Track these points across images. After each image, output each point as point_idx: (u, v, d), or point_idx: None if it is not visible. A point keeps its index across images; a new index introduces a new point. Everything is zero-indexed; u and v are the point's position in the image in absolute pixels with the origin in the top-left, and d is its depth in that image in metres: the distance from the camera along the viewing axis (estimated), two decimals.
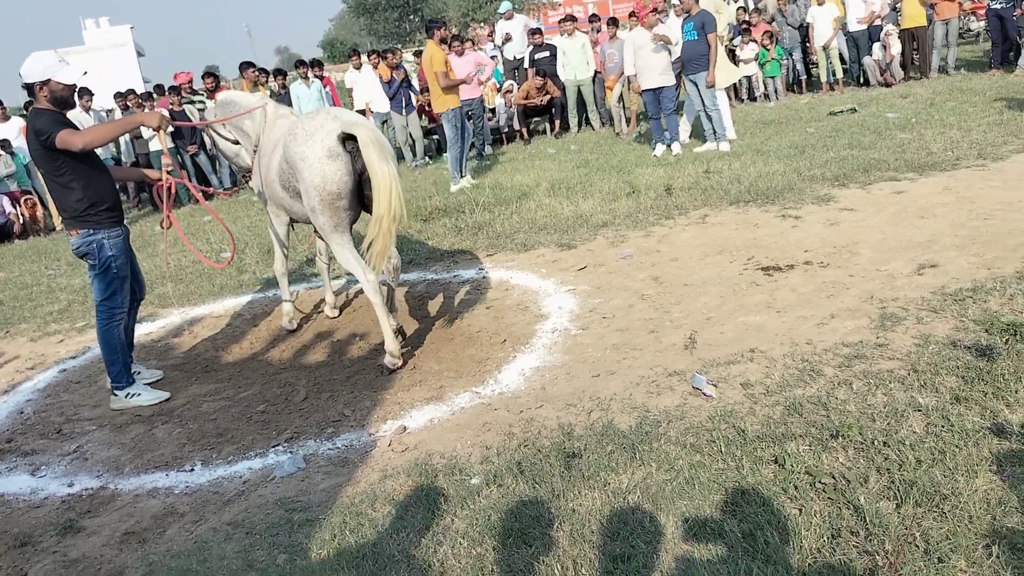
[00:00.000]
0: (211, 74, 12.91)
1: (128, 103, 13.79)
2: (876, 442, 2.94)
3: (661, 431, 3.34)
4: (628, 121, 12.76)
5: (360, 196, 4.60)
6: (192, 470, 3.85)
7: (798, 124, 10.78)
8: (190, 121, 12.28)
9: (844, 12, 13.44)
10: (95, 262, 4.59)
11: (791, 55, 14.16)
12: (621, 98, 12.66)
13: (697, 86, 9.89)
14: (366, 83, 13.27)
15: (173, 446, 4.15)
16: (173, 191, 4.94)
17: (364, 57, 13.64)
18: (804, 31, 13.94)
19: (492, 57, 14.83)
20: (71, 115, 5.13)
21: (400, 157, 13.08)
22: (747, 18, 14.26)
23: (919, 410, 3.14)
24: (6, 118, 12.96)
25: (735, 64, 13.82)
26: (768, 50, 13.53)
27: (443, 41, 9.91)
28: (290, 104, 12.25)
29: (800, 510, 2.66)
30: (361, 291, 5.77)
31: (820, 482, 2.78)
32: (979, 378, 3.27)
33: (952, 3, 12.89)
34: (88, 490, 3.79)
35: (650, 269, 5.62)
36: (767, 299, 4.70)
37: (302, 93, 12.60)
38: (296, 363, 5.09)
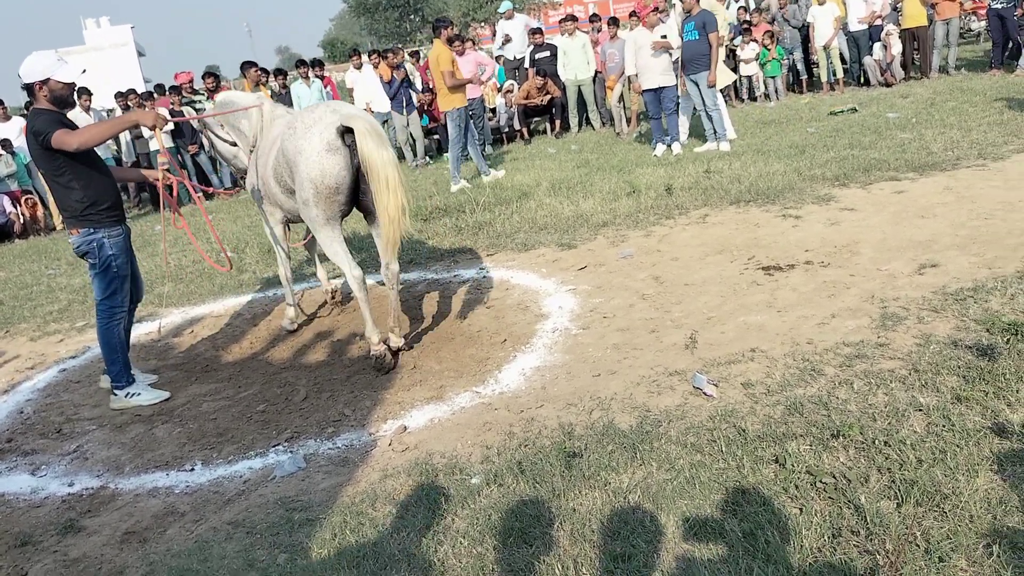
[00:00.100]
0: (211, 74, 12.91)
1: (129, 103, 13.80)
2: (877, 442, 2.94)
3: (662, 431, 3.34)
4: (628, 121, 12.75)
5: (355, 191, 4.60)
6: (192, 470, 3.84)
7: (798, 124, 10.78)
8: (188, 119, 12.26)
9: (845, 12, 13.43)
10: (95, 261, 4.59)
11: (792, 55, 14.15)
12: (622, 98, 12.66)
13: (698, 86, 9.89)
14: (367, 83, 13.27)
15: (173, 446, 4.15)
16: (175, 190, 4.93)
17: (365, 57, 13.64)
18: (805, 31, 13.94)
19: (497, 58, 14.85)
20: (72, 115, 5.14)
21: (400, 157, 13.08)
22: (748, 17, 14.26)
23: (920, 410, 3.14)
24: (7, 118, 12.97)
25: (734, 64, 13.87)
26: (769, 50, 13.52)
27: (450, 40, 9.92)
28: (291, 104, 12.25)
29: (801, 509, 2.66)
30: (370, 289, 5.75)
31: (821, 481, 2.78)
32: (980, 378, 3.27)
33: (953, 3, 12.89)
34: (88, 490, 3.79)
35: (651, 269, 5.62)
36: (768, 299, 4.70)
37: (303, 93, 12.61)
38: (296, 363, 5.09)
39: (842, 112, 10.92)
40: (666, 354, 4.18)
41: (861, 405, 3.26)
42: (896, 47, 13.04)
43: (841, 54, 13.74)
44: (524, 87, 13.56)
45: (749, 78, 14.07)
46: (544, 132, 14.43)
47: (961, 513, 2.50)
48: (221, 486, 3.62)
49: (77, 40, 62.32)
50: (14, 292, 8.06)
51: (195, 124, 10.00)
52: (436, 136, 14.06)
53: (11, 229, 12.08)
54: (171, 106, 12.76)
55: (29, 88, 4.47)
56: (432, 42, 15.84)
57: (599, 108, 13.48)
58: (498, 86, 14.40)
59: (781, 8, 14.29)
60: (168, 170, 4.75)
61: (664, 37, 9.72)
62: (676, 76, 10.01)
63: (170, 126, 11.89)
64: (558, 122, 13.72)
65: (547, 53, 13.48)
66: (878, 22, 13.32)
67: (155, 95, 14.23)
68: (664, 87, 9.88)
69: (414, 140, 13.12)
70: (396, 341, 4.78)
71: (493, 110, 14.27)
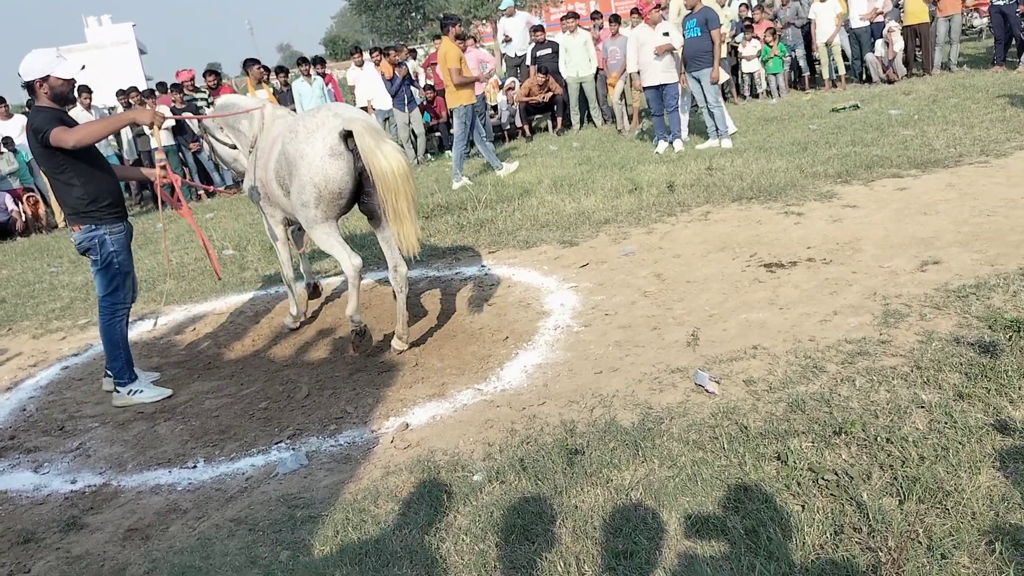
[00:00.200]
0: (213, 72, 12.88)
1: (131, 100, 13.80)
2: (879, 439, 2.94)
3: (664, 428, 3.34)
4: (630, 118, 12.74)
5: (357, 193, 4.60)
6: (195, 467, 3.85)
7: (801, 121, 10.77)
8: (187, 119, 12.27)
9: (847, 8, 13.41)
10: (97, 258, 4.59)
11: (794, 52, 14.13)
12: (623, 95, 12.65)
13: (700, 83, 9.88)
14: (368, 80, 13.26)
15: (176, 443, 4.15)
16: (178, 187, 4.92)
17: (366, 54, 13.63)
18: (807, 28, 13.91)
19: (503, 56, 14.84)
20: (73, 113, 5.14)
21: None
22: (750, 14, 14.23)
23: (922, 407, 3.13)
24: (9, 116, 12.97)
25: (736, 60, 13.85)
26: (771, 47, 13.50)
27: (458, 37, 9.92)
28: (292, 101, 12.25)
29: (803, 506, 2.66)
30: (372, 289, 5.77)
31: (823, 479, 2.78)
32: (982, 375, 3.27)
33: None
34: (91, 487, 3.80)
35: (652, 266, 5.62)
36: (770, 296, 4.69)
37: (304, 90, 12.60)
38: (298, 360, 5.10)
39: (844, 109, 10.91)
40: (668, 351, 4.18)
41: (863, 402, 3.25)
42: (898, 44, 13.02)
43: (843, 51, 13.72)
44: (526, 84, 13.54)
45: (751, 75, 14.05)
46: (546, 129, 14.43)
47: (963, 510, 2.50)
48: (223, 483, 3.63)
49: (79, 38, 62.43)
50: (16, 290, 8.07)
51: (195, 128, 10.00)
52: (437, 134, 14.06)
53: (13, 227, 12.09)
54: (172, 104, 12.75)
55: (30, 86, 4.47)
56: (433, 40, 15.86)
57: (601, 105, 13.46)
58: (499, 82, 14.39)
59: (784, 5, 14.26)
60: (165, 167, 4.72)
61: (666, 35, 9.69)
62: (678, 73, 10.00)
63: (169, 123, 11.96)
64: (560, 119, 13.71)
65: (549, 50, 13.47)
66: (880, 19, 13.30)
67: (157, 93, 14.23)
68: (666, 84, 9.86)
69: (415, 138, 13.11)
70: (400, 346, 4.78)
71: (495, 107, 14.26)
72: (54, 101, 4.45)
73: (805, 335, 4.05)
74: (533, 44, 13.80)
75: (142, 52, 64.08)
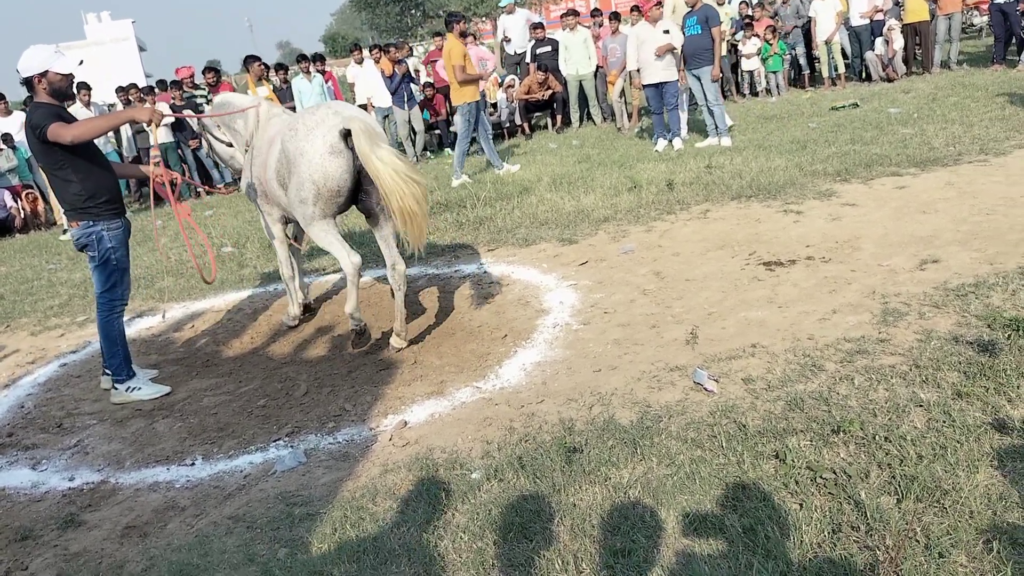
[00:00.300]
0: (212, 69, 12.85)
1: (130, 97, 13.79)
2: (877, 437, 2.94)
3: (662, 426, 3.34)
4: (630, 116, 12.74)
5: (356, 191, 4.60)
6: (193, 464, 3.85)
7: (800, 119, 10.76)
8: (186, 118, 12.25)
9: (846, 6, 13.40)
10: (94, 254, 4.60)
11: (793, 50, 14.12)
12: (623, 93, 12.64)
13: (700, 81, 9.87)
14: (368, 78, 13.24)
15: (174, 440, 4.15)
16: (178, 185, 4.92)
17: (366, 52, 13.62)
18: (807, 25, 13.90)
19: (504, 54, 14.83)
20: (72, 110, 5.13)
21: (402, 152, 13.07)
22: (750, 12, 14.22)
23: (921, 405, 3.13)
24: (8, 112, 12.95)
25: (736, 59, 13.84)
26: (770, 45, 13.49)
27: (463, 35, 9.92)
28: (292, 98, 12.23)
29: (801, 505, 2.66)
30: (371, 287, 5.76)
31: (821, 477, 2.78)
32: (981, 374, 3.27)
33: None
34: (89, 484, 3.80)
35: (651, 264, 5.61)
36: (769, 294, 4.69)
37: (304, 88, 12.58)
38: (297, 358, 5.09)
39: (844, 107, 10.90)
40: (667, 349, 4.18)
41: (862, 401, 3.25)
42: (898, 42, 13.01)
43: (843, 49, 13.71)
44: (525, 82, 13.54)
45: (751, 73, 14.04)
46: (545, 127, 14.42)
47: (961, 509, 2.50)
48: (221, 481, 3.63)
49: (78, 35, 62.28)
50: (15, 287, 8.06)
51: (194, 126, 9.99)
52: (437, 131, 14.05)
53: (12, 224, 12.09)
54: (172, 101, 12.74)
55: (28, 82, 4.47)
56: (432, 37, 15.86)
57: (600, 103, 13.46)
58: (498, 80, 14.38)
59: (784, 3, 14.25)
60: (158, 164, 4.71)
61: (667, 32, 9.68)
62: (677, 71, 9.99)
63: (168, 121, 11.95)
64: (559, 117, 13.70)
65: (548, 48, 13.46)
66: (880, 17, 13.29)
67: (157, 90, 14.22)
68: (666, 82, 9.86)
69: (415, 135, 13.10)
70: (399, 344, 4.78)
71: (494, 105, 14.25)
72: (53, 97, 4.46)
73: (804, 333, 4.05)
74: (533, 41, 13.79)
75: (141, 49, 63.98)
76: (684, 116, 10.64)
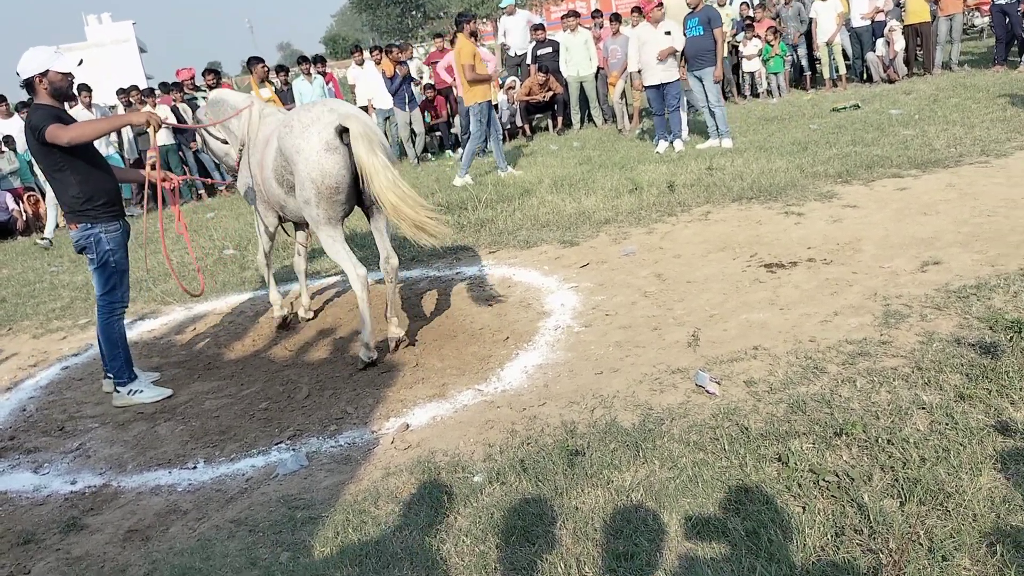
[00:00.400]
0: (213, 70, 12.86)
1: (131, 99, 13.79)
2: (880, 440, 2.94)
3: (664, 429, 3.34)
4: (631, 117, 12.73)
5: (357, 190, 4.60)
6: (195, 468, 3.85)
7: (801, 120, 10.76)
8: (188, 119, 12.27)
9: (847, 7, 13.39)
10: (93, 256, 4.61)
11: (795, 51, 14.12)
12: (624, 94, 12.63)
13: (702, 82, 9.86)
14: (368, 79, 13.25)
15: (176, 443, 4.15)
16: (178, 187, 4.92)
17: (367, 53, 13.63)
18: (808, 26, 13.89)
19: (504, 54, 14.82)
20: (73, 111, 5.14)
21: (403, 153, 13.08)
22: (751, 13, 14.22)
23: (923, 408, 3.13)
24: (9, 115, 12.95)
25: (736, 60, 13.84)
26: (772, 46, 13.49)
27: (473, 35, 9.93)
28: (293, 99, 12.24)
29: (804, 508, 2.66)
30: (371, 287, 5.74)
31: (824, 480, 2.77)
32: (983, 376, 3.26)
33: None
34: (91, 488, 3.80)
35: (653, 266, 5.61)
36: (770, 296, 4.69)
37: (304, 89, 12.59)
38: (299, 360, 5.09)
39: (845, 109, 10.90)
40: (668, 352, 4.18)
41: (864, 403, 3.25)
42: (899, 43, 13.00)
43: (844, 50, 13.71)
44: (526, 84, 13.53)
45: (752, 74, 14.03)
46: (546, 129, 14.42)
47: (964, 512, 2.49)
48: (224, 484, 3.63)
49: (79, 36, 62.39)
50: (17, 289, 8.07)
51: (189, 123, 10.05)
52: (438, 133, 14.05)
53: (13, 226, 12.08)
54: (173, 103, 12.74)
55: (29, 83, 4.48)
56: (433, 38, 15.86)
57: (601, 105, 13.45)
58: (499, 82, 14.37)
59: (786, 4, 14.24)
60: (153, 166, 4.70)
61: (668, 33, 9.67)
62: (678, 72, 9.99)
63: (171, 120, 11.96)
64: (560, 119, 13.70)
65: (549, 49, 13.45)
66: (881, 18, 13.28)
67: (158, 92, 14.23)
68: (667, 83, 9.85)
69: (415, 136, 13.10)
70: (395, 332, 4.80)
71: (495, 106, 14.23)
72: (53, 97, 4.48)
73: (806, 336, 4.04)
74: (534, 43, 13.79)
75: (142, 50, 64.05)
76: (685, 117, 10.64)
